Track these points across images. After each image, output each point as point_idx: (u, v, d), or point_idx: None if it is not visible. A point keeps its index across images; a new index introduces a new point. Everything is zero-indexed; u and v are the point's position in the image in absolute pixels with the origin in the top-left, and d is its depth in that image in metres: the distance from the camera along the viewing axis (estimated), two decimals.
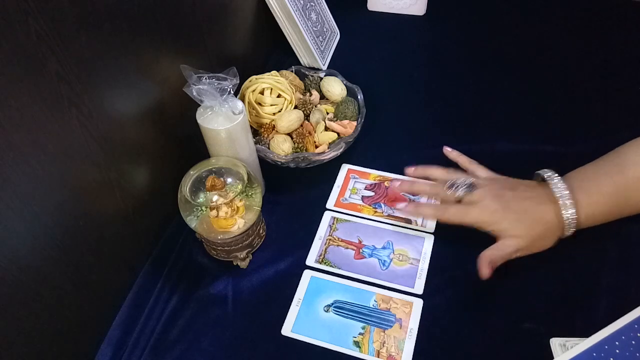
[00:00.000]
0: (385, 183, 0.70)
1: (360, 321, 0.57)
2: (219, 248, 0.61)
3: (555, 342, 0.53)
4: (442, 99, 0.81)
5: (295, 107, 0.72)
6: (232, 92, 0.56)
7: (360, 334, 0.56)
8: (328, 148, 0.69)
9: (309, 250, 0.64)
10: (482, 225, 0.59)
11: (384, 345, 0.55)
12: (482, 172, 0.64)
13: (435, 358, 0.54)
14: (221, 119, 0.57)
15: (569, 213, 0.56)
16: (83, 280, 0.52)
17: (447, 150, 0.69)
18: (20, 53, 0.39)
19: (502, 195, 0.59)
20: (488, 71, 0.85)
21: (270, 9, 0.80)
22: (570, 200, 0.56)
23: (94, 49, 0.47)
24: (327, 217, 0.67)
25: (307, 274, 0.61)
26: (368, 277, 0.61)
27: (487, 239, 0.63)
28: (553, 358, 0.52)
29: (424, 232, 0.64)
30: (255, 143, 0.65)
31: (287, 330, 0.57)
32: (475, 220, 0.59)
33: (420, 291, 0.59)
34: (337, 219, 0.67)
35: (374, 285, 0.60)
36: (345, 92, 0.75)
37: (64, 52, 0.43)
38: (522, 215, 0.58)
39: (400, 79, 0.85)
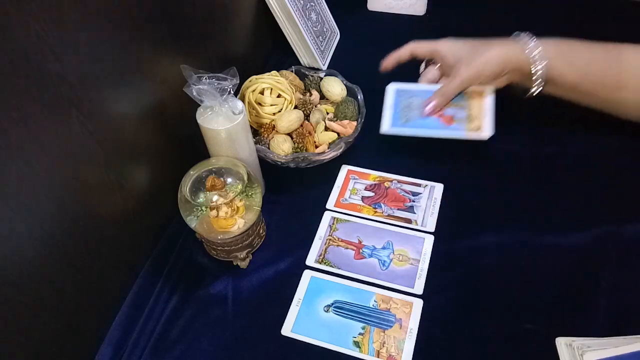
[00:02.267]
0: (385, 184, 0.70)
1: (360, 321, 0.57)
2: (219, 248, 0.61)
3: (560, 342, 0.53)
4: None
5: (295, 107, 0.72)
6: (232, 92, 0.56)
7: (360, 334, 0.56)
8: (328, 148, 0.69)
9: (308, 250, 0.64)
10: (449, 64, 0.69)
11: (384, 346, 0.55)
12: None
13: (435, 358, 0.54)
14: (221, 119, 0.57)
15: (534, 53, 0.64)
16: (83, 280, 0.52)
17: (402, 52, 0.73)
18: (20, 53, 0.39)
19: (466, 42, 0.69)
20: None
21: (270, 9, 0.80)
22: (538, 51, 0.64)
23: (94, 49, 0.47)
24: (327, 217, 0.67)
25: (307, 274, 0.61)
26: (368, 277, 0.61)
27: (488, 239, 0.63)
28: (553, 358, 0.52)
29: (424, 232, 0.64)
30: (255, 143, 0.65)
31: (287, 330, 0.57)
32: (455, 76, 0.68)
33: (420, 291, 0.59)
34: (337, 219, 0.67)
35: (373, 286, 0.60)
36: (345, 92, 0.75)
37: (64, 52, 0.43)
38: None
39: (400, 79, 0.85)
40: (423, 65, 0.75)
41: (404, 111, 0.72)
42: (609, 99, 0.65)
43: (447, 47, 0.69)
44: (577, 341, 0.52)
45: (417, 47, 0.72)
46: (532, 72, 0.65)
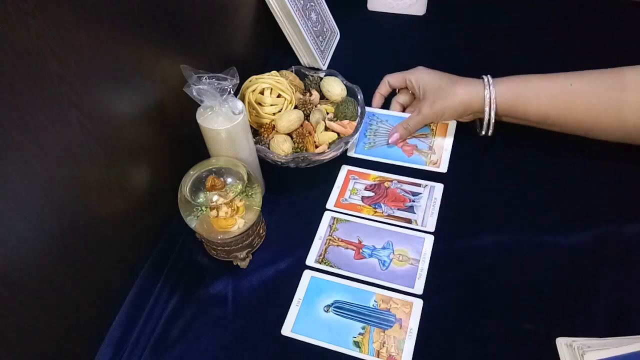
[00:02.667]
0: (385, 184, 0.70)
1: (360, 321, 0.57)
2: (219, 248, 0.61)
3: (561, 342, 0.53)
4: None
5: (295, 107, 0.72)
6: (232, 92, 0.56)
7: (360, 334, 0.56)
8: (328, 148, 0.69)
9: (309, 250, 0.64)
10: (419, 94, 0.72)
11: (384, 346, 0.55)
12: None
13: (435, 358, 0.54)
14: (221, 119, 0.57)
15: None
16: (83, 280, 0.52)
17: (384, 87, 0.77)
18: (20, 53, 0.39)
19: (439, 77, 0.71)
20: (488, 71, 0.85)
21: (270, 9, 0.80)
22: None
23: (94, 49, 0.47)
24: (327, 217, 0.67)
25: (307, 274, 0.61)
26: (368, 277, 0.61)
27: (488, 239, 0.63)
28: (553, 358, 0.52)
29: (424, 232, 0.64)
30: (255, 143, 0.65)
31: (287, 330, 0.57)
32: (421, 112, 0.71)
33: (420, 291, 0.59)
34: (337, 219, 0.67)
35: (373, 286, 0.60)
36: (345, 92, 0.75)
37: (64, 52, 0.43)
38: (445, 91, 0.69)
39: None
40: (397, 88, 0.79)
41: (371, 136, 0.76)
42: (580, 127, 0.66)
43: (415, 79, 0.73)
44: (578, 341, 0.52)
45: (390, 77, 0.77)
46: (485, 117, 0.68)
